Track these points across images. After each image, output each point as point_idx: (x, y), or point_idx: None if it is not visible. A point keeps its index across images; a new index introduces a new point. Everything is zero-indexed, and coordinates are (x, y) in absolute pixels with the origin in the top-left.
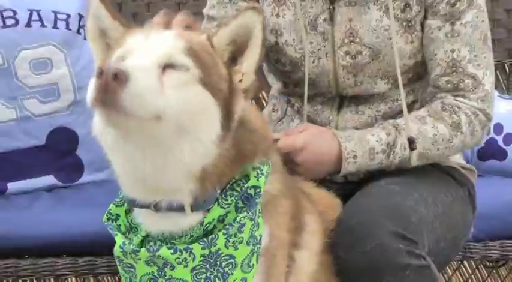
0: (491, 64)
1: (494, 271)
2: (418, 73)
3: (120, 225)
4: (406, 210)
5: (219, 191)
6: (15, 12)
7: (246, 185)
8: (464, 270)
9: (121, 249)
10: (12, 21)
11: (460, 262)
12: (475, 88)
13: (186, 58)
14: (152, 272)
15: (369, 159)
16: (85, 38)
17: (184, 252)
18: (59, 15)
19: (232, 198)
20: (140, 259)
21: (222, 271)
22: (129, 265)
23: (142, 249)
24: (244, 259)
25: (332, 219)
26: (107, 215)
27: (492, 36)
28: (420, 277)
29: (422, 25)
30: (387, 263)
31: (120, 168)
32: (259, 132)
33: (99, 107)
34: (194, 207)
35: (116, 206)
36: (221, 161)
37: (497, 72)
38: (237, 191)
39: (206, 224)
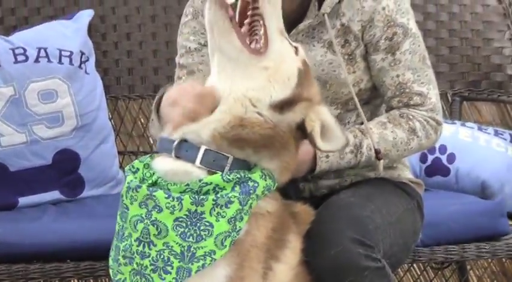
0: (433, 79)
1: (439, 272)
2: (364, 99)
3: (136, 177)
4: (364, 219)
5: (230, 162)
6: (25, 50)
7: (248, 175)
8: (414, 272)
9: (127, 185)
10: (23, 58)
11: (410, 264)
12: (423, 102)
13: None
14: (141, 214)
15: (339, 158)
16: (86, 72)
17: (175, 200)
18: (63, 53)
19: (234, 177)
20: (137, 199)
21: (198, 232)
22: (125, 206)
23: (144, 186)
24: (220, 234)
25: None
26: (129, 167)
27: (436, 70)
28: (377, 277)
29: (363, 57)
30: (349, 266)
31: None
32: (292, 155)
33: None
34: (203, 161)
35: (139, 162)
36: (250, 126)
37: (441, 101)
38: (240, 174)
39: (203, 182)
